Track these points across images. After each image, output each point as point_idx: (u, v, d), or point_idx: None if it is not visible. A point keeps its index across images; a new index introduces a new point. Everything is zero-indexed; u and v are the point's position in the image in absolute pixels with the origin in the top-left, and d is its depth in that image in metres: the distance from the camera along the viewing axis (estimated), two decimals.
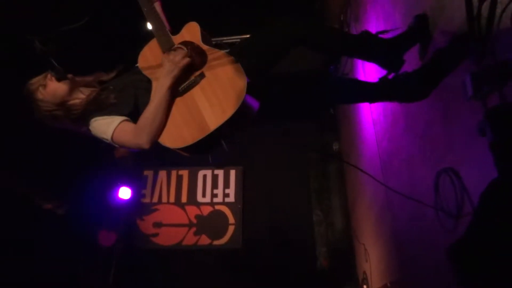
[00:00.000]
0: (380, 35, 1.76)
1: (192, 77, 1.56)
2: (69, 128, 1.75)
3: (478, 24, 1.19)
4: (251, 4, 4.34)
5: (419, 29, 1.69)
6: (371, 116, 2.85)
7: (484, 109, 1.16)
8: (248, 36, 1.80)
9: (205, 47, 1.61)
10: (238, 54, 1.61)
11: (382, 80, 1.68)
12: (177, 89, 1.57)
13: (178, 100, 1.57)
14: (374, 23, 2.53)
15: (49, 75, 1.68)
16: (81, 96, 1.71)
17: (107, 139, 1.61)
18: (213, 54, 1.57)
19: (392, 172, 2.37)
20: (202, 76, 1.55)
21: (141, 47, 1.77)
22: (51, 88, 1.67)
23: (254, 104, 1.55)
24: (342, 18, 3.64)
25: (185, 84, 1.57)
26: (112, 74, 1.78)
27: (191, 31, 1.68)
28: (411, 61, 1.76)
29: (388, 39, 1.73)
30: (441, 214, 1.60)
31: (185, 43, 1.64)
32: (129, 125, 1.59)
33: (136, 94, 1.69)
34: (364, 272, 3.21)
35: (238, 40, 3.95)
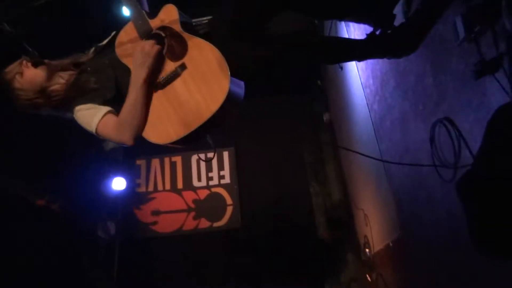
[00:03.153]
0: None
1: (173, 68, 1.50)
2: (54, 114, 1.69)
3: None
4: None
5: None
6: (360, 80, 2.83)
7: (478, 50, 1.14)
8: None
9: (185, 34, 1.52)
10: (218, 27, 1.56)
11: (370, 36, 1.65)
12: (156, 80, 1.51)
13: (160, 93, 1.51)
14: None
15: (24, 62, 1.61)
16: (60, 81, 1.64)
17: (91, 131, 1.56)
18: (193, 42, 1.49)
19: (386, 133, 2.37)
20: (183, 67, 1.48)
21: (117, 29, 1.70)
22: (28, 75, 1.60)
23: (239, 90, 1.50)
24: None
25: (165, 75, 1.50)
26: (90, 55, 1.71)
27: (169, 15, 1.58)
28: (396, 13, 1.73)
29: None
30: (438, 165, 1.60)
31: (163, 28, 1.56)
32: (113, 119, 1.53)
33: (116, 75, 1.63)
34: (365, 236, 3.25)
35: None
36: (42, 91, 1.61)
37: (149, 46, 1.49)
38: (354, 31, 2.81)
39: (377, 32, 1.70)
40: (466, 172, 0.92)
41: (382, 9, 1.70)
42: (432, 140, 1.64)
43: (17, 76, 1.60)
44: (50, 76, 1.62)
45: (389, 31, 1.66)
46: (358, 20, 1.79)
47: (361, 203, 3.41)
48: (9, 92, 1.62)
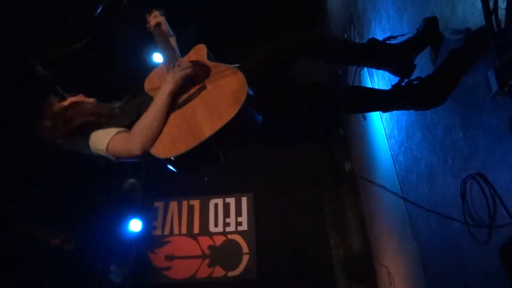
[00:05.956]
0: (388, 41, 1.71)
1: (194, 90, 1.53)
2: (72, 148, 1.69)
3: (496, 17, 1.13)
4: (251, 31, 4.37)
5: (429, 31, 1.63)
6: (384, 131, 2.77)
7: None
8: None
9: (210, 63, 1.59)
10: (242, 68, 1.58)
11: (396, 87, 1.62)
12: (177, 101, 1.52)
13: (177, 112, 1.50)
14: (380, 36, 2.49)
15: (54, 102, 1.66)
16: (84, 107, 1.67)
17: (102, 151, 1.54)
18: (217, 68, 1.55)
19: (412, 185, 2.26)
20: (203, 88, 1.51)
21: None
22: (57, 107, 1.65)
23: (255, 116, 1.49)
24: (345, 37, 3.64)
25: (185, 96, 1.53)
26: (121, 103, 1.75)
27: (198, 52, 1.69)
28: (423, 65, 1.70)
29: (397, 44, 1.68)
30: (471, 224, 1.48)
31: (191, 61, 1.63)
32: (124, 134, 1.52)
33: (139, 111, 1.64)
34: None
35: None
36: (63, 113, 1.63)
37: (181, 68, 1.52)
38: (378, 81, 2.79)
39: (403, 83, 1.67)
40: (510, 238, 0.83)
41: (402, 58, 1.67)
42: (463, 196, 1.53)
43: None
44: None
45: (415, 82, 1.63)
46: (376, 66, 1.77)
47: (384, 259, 3.21)
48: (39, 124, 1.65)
